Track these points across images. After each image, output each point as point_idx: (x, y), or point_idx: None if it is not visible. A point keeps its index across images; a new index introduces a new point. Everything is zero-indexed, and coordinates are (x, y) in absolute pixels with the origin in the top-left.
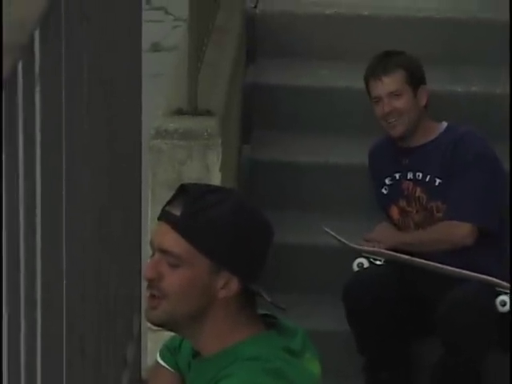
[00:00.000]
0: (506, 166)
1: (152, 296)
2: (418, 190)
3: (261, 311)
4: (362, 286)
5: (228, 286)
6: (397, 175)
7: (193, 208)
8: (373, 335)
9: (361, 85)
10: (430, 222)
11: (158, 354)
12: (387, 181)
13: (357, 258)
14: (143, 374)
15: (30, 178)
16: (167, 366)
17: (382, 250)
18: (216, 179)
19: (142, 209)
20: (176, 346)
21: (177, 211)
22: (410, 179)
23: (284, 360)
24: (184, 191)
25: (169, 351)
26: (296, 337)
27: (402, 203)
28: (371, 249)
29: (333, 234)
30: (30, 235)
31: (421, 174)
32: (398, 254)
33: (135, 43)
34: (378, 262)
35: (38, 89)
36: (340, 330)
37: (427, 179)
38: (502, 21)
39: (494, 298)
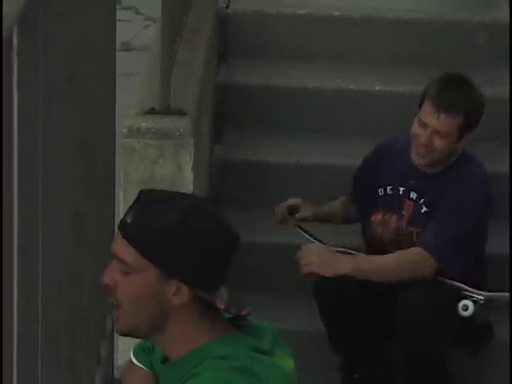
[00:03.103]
0: (504, 167)
1: (114, 306)
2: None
3: (229, 314)
4: (330, 282)
5: (179, 293)
6: (400, 189)
7: (141, 216)
8: (344, 330)
9: (332, 85)
10: (403, 244)
11: (131, 353)
12: (389, 189)
13: None
14: (116, 373)
15: (7, 175)
16: (141, 365)
17: (349, 250)
18: (188, 179)
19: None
20: (149, 346)
21: (129, 218)
22: (412, 199)
23: (252, 358)
24: (138, 198)
25: (143, 351)
26: (265, 336)
27: (393, 218)
28: (339, 249)
29: (300, 228)
30: (7, 230)
31: (416, 196)
32: (364, 255)
33: (109, 42)
34: None
35: (15, 82)
36: (309, 330)
37: (420, 202)
38: (473, 22)
39: (456, 302)
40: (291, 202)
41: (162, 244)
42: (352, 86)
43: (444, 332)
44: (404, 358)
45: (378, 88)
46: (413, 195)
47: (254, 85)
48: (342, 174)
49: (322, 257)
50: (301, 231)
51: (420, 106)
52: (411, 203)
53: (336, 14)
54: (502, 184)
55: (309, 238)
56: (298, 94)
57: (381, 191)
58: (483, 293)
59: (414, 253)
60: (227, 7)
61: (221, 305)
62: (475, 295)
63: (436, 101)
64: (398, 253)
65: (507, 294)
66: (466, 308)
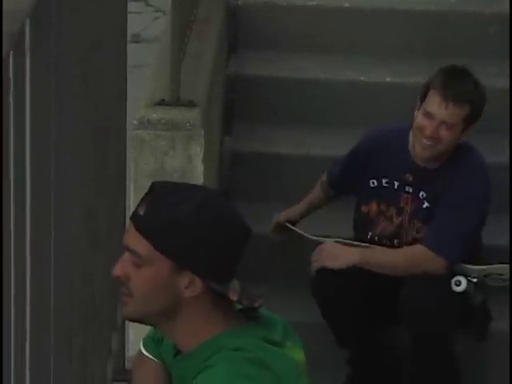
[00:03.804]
0: (503, 158)
1: (124, 293)
2: (413, 205)
3: (241, 306)
4: (325, 278)
5: (192, 285)
6: (395, 184)
7: (154, 208)
8: (346, 323)
9: (342, 77)
10: (404, 237)
11: (141, 344)
12: (384, 181)
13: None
14: (127, 364)
15: (19, 172)
16: (151, 356)
17: (340, 240)
18: (198, 170)
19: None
20: (159, 337)
21: (141, 210)
22: (408, 192)
23: (264, 350)
24: (151, 190)
25: (152, 341)
26: (276, 327)
27: (391, 210)
28: (337, 239)
29: (291, 226)
30: (20, 228)
31: (413, 190)
32: (357, 243)
33: (121, 36)
34: None
35: (28, 78)
36: (320, 321)
37: (420, 196)
38: (484, 13)
39: (449, 278)
40: (277, 219)
41: (175, 236)
42: (362, 78)
43: (447, 310)
44: (412, 344)
45: (388, 80)
46: (408, 189)
47: (264, 76)
48: None
49: (330, 252)
50: (289, 226)
51: (422, 98)
52: (408, 196)
53: (346, 5)
54: None
55: (299, 231)
56: (307, 86)
57: (373, 183)
58: (474, 267)
59: (423, 253)
60: None
61: (234, 297)
62: (467, 271)
63: (443, 91)
64: (407, 252)
65: (498, 266)
66: (458, 283)
